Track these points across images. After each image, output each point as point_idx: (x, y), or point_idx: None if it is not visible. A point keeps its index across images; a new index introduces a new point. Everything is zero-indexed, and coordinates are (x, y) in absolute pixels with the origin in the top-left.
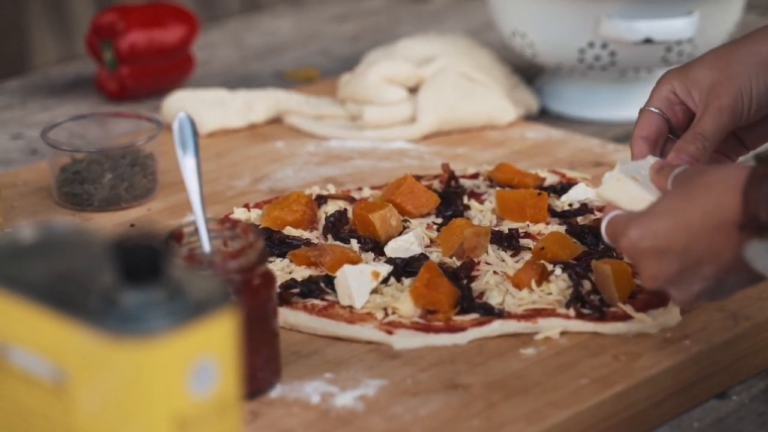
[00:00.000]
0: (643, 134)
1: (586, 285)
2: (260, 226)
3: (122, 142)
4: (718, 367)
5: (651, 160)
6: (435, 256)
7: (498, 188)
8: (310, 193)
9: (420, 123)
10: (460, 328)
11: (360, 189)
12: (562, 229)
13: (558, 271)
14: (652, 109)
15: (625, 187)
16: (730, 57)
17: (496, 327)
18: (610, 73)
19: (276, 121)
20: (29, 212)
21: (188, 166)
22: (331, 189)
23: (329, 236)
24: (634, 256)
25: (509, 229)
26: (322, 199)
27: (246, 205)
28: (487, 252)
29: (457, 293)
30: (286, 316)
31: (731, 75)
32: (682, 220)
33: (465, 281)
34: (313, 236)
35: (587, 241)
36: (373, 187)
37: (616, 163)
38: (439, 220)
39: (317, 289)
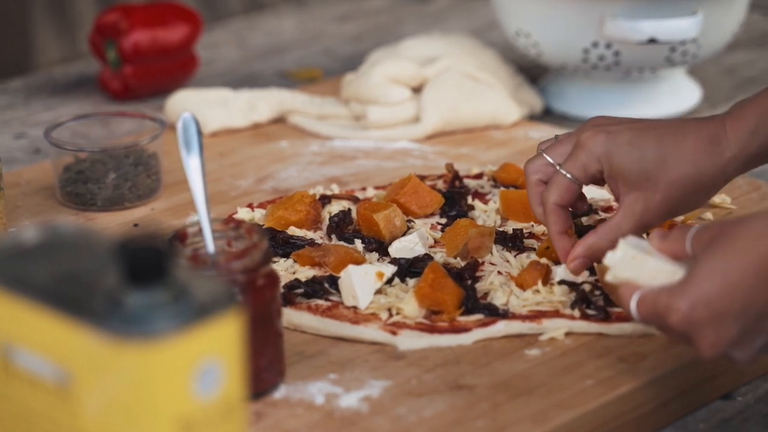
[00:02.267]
0: (561, 201)
1: (587, 286)
2: (264, 226)
3: (125, 141)
4: (723, 368)
5: (642, 240)
6: (439, 256)
7: (502, 188)
8: (313, 193)
9: (424, 123)
10: (464, 329)
11: (364, 189)
12: None
13: (558, 276)
14: (566, 173)
15: (642, 264)
16: (660, 144)
17: (501, 328)
18: (614, 73)
19: (279, 120)
20: (32, 212)
21: (192, 166)
22: (335, 189)
23: (333, 236)
24: (688, 328)
25: (513, 230)
26: (326, 199)
27: (250, 205)
28: (491, 252)
29: (461, 294)
30: (290, 316)
31: (664, 183)
32: (734, 279)
33: (469, 282)
34: (317, 236)
35: None
36: (377, 187)
37: None
38: (444, 221)
39: (321, 289)
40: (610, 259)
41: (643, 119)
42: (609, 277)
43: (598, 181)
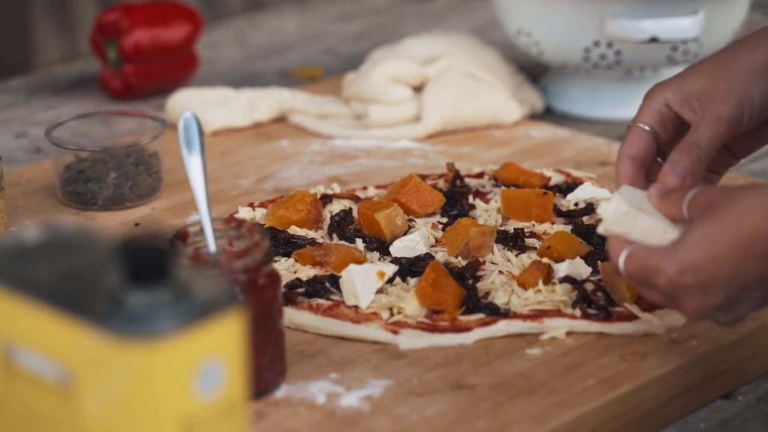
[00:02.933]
0: (632, 153)
1: (589, 285)
2: (265, 226)
3: (126, 140)
4: (724, 368)
5: (639, 192)
6: (440, 255)
7: (503, 188)
8: (314, 192)
9: (425, 122)
10: (465, 328)
11: (365, 188)
12: (568, 228)
13: (561, 272)
14: (642, 125)
15: (635, 220)
16: (728, 63)
17: (502, 327)
18: (615, 72)
19: (280, 120)
20: (33, 211)
21: (194, 165)
22: (336, 188)
23: (334, 236)
24: (674, 292)
25: (515, 229)
26: (327, 199)
27: (251, 205)
28: (492, 252)
29: (462, 293)
30: (291, 315)
31: (732, 81)
32: (723, 250)
33: (470, 281)
34: (318, 236)
35: (593, 240)
36: (378, 187)
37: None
38: (445, 220)
39: (322, 288)
40: (603, 210)
41: None
42: (600, 229)
43: (669, 128)
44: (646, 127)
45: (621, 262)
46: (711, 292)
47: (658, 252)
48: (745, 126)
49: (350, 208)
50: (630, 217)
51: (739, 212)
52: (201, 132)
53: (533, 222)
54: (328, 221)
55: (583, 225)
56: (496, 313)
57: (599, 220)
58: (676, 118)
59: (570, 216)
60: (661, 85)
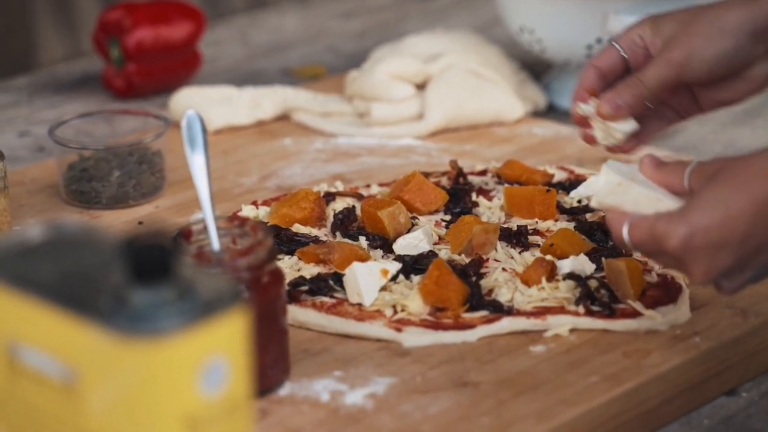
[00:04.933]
0: (599, 64)
1: (592, 282)
2: (268, 224)
3: (130, 139)
4: (727, 364)
5: (625, 165)
6: (444, 253)
7: (506, 185)
8: (318, 190)
9: (427, 120)
10: (469, 326)
11: (368, 186)
12: (571, 225)
13: (565, 269)
14: (615, 45)
15: (627, 191)
16: (698, 16)
17: (506, 324)
18: None
19: (283, 118)
20: (37, 210)
21: (197, 163)
22: (339, 186)
23: (338, 233)
24: (685, 254)
25: (518, 226)
26: (330, 197)
27: (254, 203)
28: (495, 249)
29: (466, 290)
30: (295, 313)
31: (692, 32)
32: (735, 211)
33: (474, 278)
34: (322, 233)
35: (596, 237)
36: (381, 184)
37: (624, 159)
38: (448, 217)
39: (326, 286)
40: (593, 183)
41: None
42: (593, 203)
43: (639, 57)
44: (619, 47)
45: (625, 232)
46: (721, 254)
47: (667, 216)
48: (696, 78)
49: (353, 206)
50: (622, 187)
51: (753, 173)
52: (204, 130)
53: (536, 219)
54: (331, 219)
55: (586, 222)
56: (499, 310)
57: (604, 216)
58: (646, 49)
59: (573, 213)
60: (649, 19)
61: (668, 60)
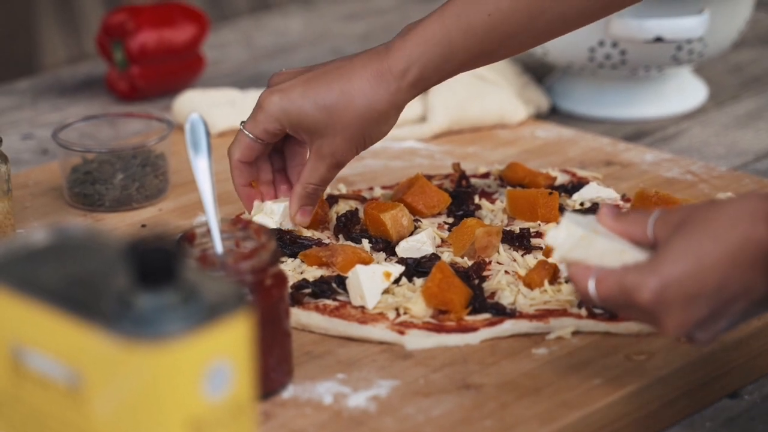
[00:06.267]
0: (238, 156)
1: None
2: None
3: (133, 142)
4: (730, 367)
5: (583, 217)
6: (446, 255)
7: (509, 187)
8: None
9: (431, 122)
10: (472, 328)
11: (371, 189)
12: None
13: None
14: (247, 132)
15: (591, 244)
16: (338, 105)
17: (508, 327)
18: (620, 71)
19: None
20: (41, 213)
21: (200, 166)
22: (342, 189)
23: (340, 236)
24: (657, 307)
25: (520, 229)
26: (333, 199)
27: None
28: (498, 252)
29: (468, 293)
30: (298, 316)
31: (342, 127)
32: (709, 261)
33: (477, 281)
34: (325, 236)
35: None
36: (384, 187)
37: (627, 162)
38: (451, 220)
39: (329, 289)
40: (554, 237)
41: (319, 65)
42: (555, 257)
43: (278, 137)
44: (251, 135)
45: (591, 287)
46: (695, 306)
47: (635, 269)
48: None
49: (356, 209)
50: (586, 240)
51: (725, 221)
52: (208, 133)
53: (539, 222)
54: (334, 222)
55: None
56: (502, 313)
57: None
58: (281, 132)
59: None
60: (271, 99)
61: (320, 155)
